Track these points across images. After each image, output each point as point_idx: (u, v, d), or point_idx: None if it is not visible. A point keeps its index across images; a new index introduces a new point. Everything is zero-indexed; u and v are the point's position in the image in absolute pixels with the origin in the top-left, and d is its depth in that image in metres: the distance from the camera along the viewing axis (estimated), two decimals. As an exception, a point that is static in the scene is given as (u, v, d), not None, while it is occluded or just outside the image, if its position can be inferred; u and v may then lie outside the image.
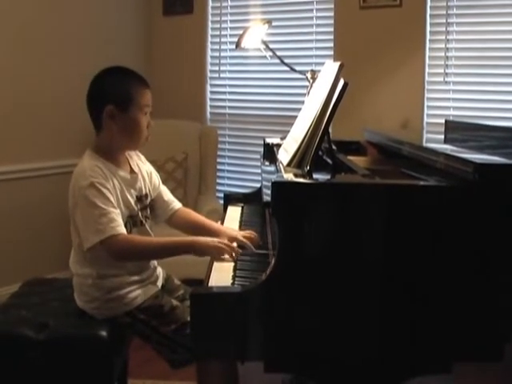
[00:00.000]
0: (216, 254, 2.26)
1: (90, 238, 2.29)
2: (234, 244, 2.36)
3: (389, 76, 4.37)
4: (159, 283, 2.58)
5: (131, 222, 2.45)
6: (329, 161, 2.34)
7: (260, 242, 2.44)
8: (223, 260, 2.24)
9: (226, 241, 2.34)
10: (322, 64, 2.58)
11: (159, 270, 2.63)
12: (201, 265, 2.37)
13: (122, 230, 2.32)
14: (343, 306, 1.86)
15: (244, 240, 2.40)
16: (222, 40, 5.20)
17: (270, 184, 1.85)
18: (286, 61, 3.28)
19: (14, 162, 4.31)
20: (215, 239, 2.34)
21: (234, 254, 2.26)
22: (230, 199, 3.10)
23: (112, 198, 2.33)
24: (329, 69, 2.35)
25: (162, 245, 2.38)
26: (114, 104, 2.38)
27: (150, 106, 2.47)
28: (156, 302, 2.45)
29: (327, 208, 1.84)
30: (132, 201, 2.46)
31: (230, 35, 5.12)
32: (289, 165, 2.14)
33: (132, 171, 2.53)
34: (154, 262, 2.58)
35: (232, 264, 2.19)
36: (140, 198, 2.52)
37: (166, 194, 2.69)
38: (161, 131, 4.74)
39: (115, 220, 2.30)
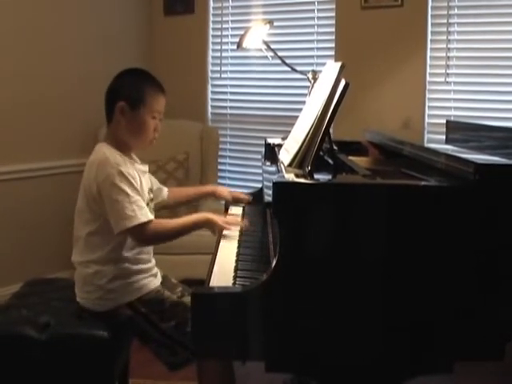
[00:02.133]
0: (226, 227, 2.54)
1: (121, 223, 2.36)
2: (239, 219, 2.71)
3: (390, 76, 4.37)
4: (159, 279, 2.61)
5: None
6: (330, 161, 2.34)
7: (250, 198, 2.98)
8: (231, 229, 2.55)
9: (236, 218, 2.72)
10: (323, 64, 2.59)
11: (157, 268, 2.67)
12: (198, 265, 2.39)
13: (151, 216, 2.44)
14: (344, 306, 1.86)
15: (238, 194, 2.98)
16: (224, 40, 5.20)
17: (271, 184, 1.85)
18: (287, 61, 3.28)
19: (16, 162, 4.32)
20: (223, 218, 2.64)
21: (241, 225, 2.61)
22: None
23: (137, 186, 2.44)
24: (330, 69, 2.35)
25: (184, 224, 2.52)
26: (125, 101, 2.49)
27: (161, 112, 2.62)
28: (158, 296, 2.49)
29: (328, 208, 1.85)
30: (146, 191, 2.57)
31: (232, 35, 5.12)
32: (290, 165, 2.14)
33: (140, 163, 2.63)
34: (153, 259, 2.62)
35: (233, 265, 2.20)
36: (149, 191, 2.62)
37: (157, 183, 2.86)
38: (162, 131, 4.73)
39: (143, 207, 2.41)
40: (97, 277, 2.45)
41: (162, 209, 2.88)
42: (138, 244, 2.47)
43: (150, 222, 2.40)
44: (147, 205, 2.52)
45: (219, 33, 5.22)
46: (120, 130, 2.52)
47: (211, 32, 5.26)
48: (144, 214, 2.38)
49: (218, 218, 2.56)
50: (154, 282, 2.54)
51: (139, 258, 2.52)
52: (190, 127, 5.02)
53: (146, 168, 2.64)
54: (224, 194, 2.97)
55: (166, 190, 2.88)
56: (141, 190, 2.48)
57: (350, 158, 2.60)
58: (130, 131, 2.53)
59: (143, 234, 2.40)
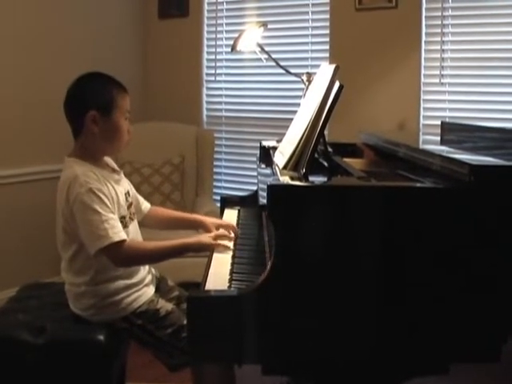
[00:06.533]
0: (218, 249, 2.36)
1: (94, 244, 2.29)
2: (232, 234, 2.52)
3: (385, 78, 4.37)
4: (153, 285, 2.59)
5: (124, 222, 2.45)
6: (325, 163, 2.34)
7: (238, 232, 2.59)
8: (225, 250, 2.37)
9: (218, 232, 2.49)
10: (318, 66, 2.59)
11: (152, 271, 2.64)
12: (196, 268, 2.38)
13: (124, 236, 2.33)
14: (340, 309, 1.86)
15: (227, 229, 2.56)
16: (218, 43, 5.20)
17: (266, 187, 1.85)
18: (282, 63, 3.28)
19: (12, 166, 4.33)
20: (209, 235, 2.46)
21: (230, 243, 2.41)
22: (227, 202, 3.10)
23: (109, 203, 2.34)
24: (324, 71, 2.36)
25: (162, 248, 2.40)
26: (96, 109, 2.39)
27: (129, 111, 2.50)
28: (151, 307, 2.46)
29: (323, 210, 1.84)
30: (122, 200, 2.48)
31: (226, 38, 5.12)
32: (285, 167, 2.14)
33: (113, 170, 2.56)
34: (146, 266, 2.58)
35: (229, 268, 2.20)
36: (125, 196, 2.54)
37: (138, 195, 2.75)
38: (157, 134, 4.79)
39: (115, 226, 2.31)
40: (87, 296, 2.42)
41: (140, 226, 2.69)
42: (114, 265, 2.37)
43: (122, 241, 2.31)
44: (126, 214, 2.49)
45: (214, 35, 5.22)
46: (94, 140, 2.43)
47: (206, 35, 5.26)
48: (116, 233, 2.29)
49: (203, 242, 2.41)
50: (147, 292, 2.50)
51: (132, 271, 2.47)
52: (185, 130, 5.03)
53: (120, 175, 2.56)
54: (210, 231, 2.58)
55: (148, 204, 2.78)
56: (116, 202, 2.42)
57: (345, 160, 2.60)
58: (106, 138, 2.44)
59: (115, 255, 2.31)
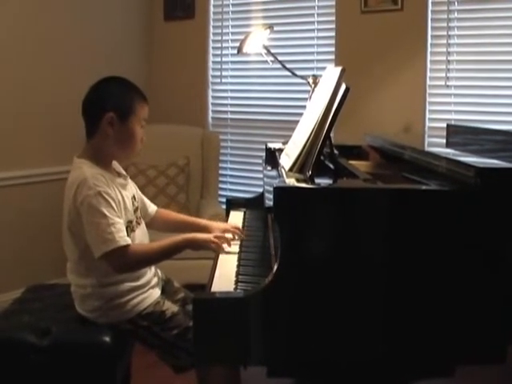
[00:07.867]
0: (215, 247, 2.40)
1: (99, 247, 2.29)
2: (229, 235, 2.52)
3: (390, 80, 4.37)
4: (160, 287, 2.60)
5: (131, 227, 2.46)
6: (331, 165, 2.34)
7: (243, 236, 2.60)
8: (225, 251, 2.39)
9: (219, 233, 2.50)
10: (324, 69, 2.59)
11: (158, 273, 2.64)
12: (202, 270, 2.38)
13: (129, 240, 2.34)
14: (346, 311, 1.86)
15: (234, 231, 2.59)
16: (224, 45, 5.21)
17: (272, 189, 1.85)
18: (288, 65, 3.28)
19: (16, 168, 4.33)
20: (211, 234, 2.48)
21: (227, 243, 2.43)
22: (233, 204, 3.11)
23: (116, 207, 2.35)
24: (330, 73, 2.36)
25: (163, 248, 2.41)
26: (114, 112, 2.40)
27: (146, 120, 2.51)
28: (157, 309, 2.46)
29: (329, 213, 1.85)
30: (129, 204, 2.49)
31: (232, 40, 5.13)
32: (291, 170, 2.14)
33: (119, 174, 2.57)
34: (152, 267, 2.59)
35: (235, 269, 2.20)
36: (132, 200, 2.55)
37: (144, 197, 2.75)
38: (163, 136, 4.79)
39: (122, 230, 2.32)
40: (93, 298, 2.42)
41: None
42: (116, 271, 2.37)
43: (128, 246, 2.31)
44: (134, 213, 2.50)
45: (219, 37, 5.23)
46: (107, 142, 2.44)
47: (211, 37, 5.27)
48: (122, 237, 2.30)
49: (203, 237, 2.45)
50: (153, 294, 2.50)
51: (139, 274, 2.47)
52: (191, 132, 5.03)
53: (126, 180, 2.57)
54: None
55: (154, 207, 2.79)
56: (123, 207, 2.42)
57: (351, 162, 2.60)
58: (119, 143, 2.45)
59: (121, 260, 2.31)
